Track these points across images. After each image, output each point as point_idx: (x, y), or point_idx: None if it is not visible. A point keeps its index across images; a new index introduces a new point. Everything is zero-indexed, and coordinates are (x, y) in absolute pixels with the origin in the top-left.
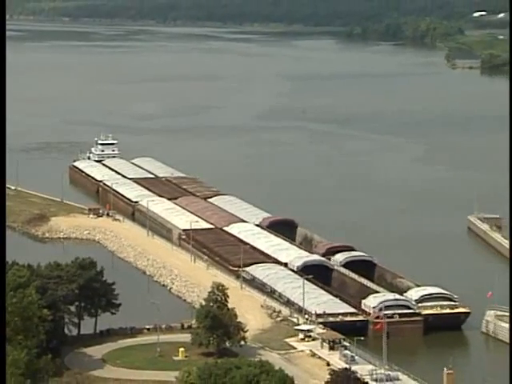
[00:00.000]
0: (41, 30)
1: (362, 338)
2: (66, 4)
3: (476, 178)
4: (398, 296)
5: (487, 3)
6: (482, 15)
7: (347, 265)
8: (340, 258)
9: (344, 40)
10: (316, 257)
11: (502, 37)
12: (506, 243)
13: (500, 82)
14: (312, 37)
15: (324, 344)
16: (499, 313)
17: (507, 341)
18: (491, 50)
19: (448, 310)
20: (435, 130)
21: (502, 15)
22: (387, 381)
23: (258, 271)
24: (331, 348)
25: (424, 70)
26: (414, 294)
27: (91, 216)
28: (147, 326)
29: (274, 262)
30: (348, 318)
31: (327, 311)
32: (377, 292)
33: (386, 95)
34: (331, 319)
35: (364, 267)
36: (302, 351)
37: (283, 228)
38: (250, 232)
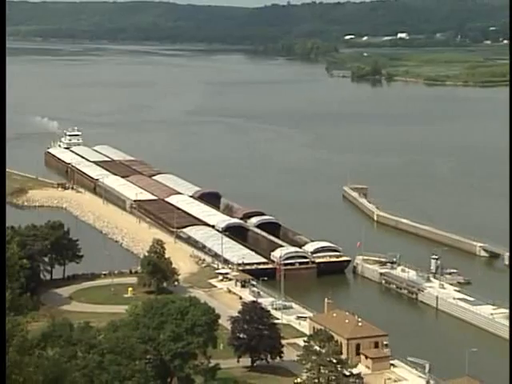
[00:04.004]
0: (18, 47)
1: (266, 279)
2: (38, 27)
3: (348, 159)
4: (297, 249)
5: (355, 29)
6: (351, 38)
7: (259, 226)
8: (254, 220)
9: (250, 55)
10: (236, 220)
11: (366, 54)
12: (371, 206)
13: (365, 87)
14: (227, 53)
15: (237, 283)
16: (365, 257)
17: (371, 278)
18: (358, 64)
19: (335, 259)
20: (318, 123)
21: (365, 38)
22: (284, 309)
23: (192, 231)
24: (243, 286)
25: (310, 78)
26: (309, 247)
27: (59, 189)
28: (104, 272)
29: (203, 225)
30: (261, 266)
31: (245, 261)
32: (282, 246)
33: (282, 96)
34: (248, 267)
35: (272, 227)
36: (221, 289)
37: (210, 198)
38: (185, 202)
